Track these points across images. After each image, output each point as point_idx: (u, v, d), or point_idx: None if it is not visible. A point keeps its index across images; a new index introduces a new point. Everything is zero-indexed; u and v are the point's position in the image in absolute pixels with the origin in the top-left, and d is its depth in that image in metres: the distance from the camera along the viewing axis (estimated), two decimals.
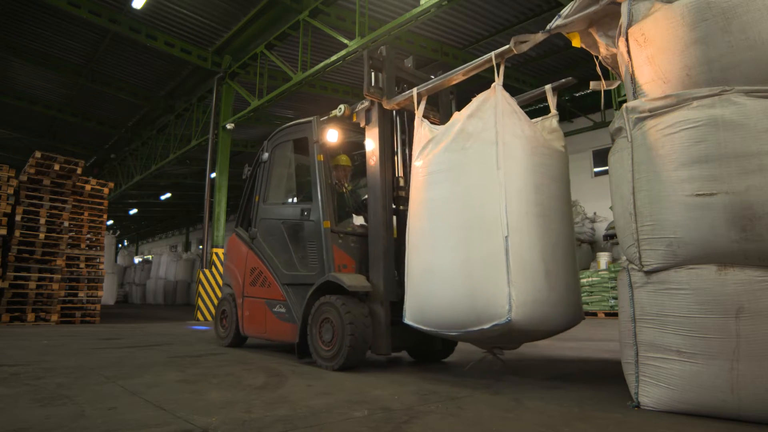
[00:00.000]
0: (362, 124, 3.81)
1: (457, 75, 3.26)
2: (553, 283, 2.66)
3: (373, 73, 3.67)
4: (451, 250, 2.78)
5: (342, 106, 3.86)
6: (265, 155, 4.49)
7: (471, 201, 2.74)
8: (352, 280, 3.38)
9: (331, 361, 3.31)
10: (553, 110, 3.26)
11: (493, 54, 2.93)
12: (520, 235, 2.59)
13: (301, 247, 3.94)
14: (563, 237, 2.79)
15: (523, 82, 12.12)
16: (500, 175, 2.62)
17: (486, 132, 2.76)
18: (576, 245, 3.25)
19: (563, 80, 3.44)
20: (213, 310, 9.21)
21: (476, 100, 2.92)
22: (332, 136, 4.03)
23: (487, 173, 2.68)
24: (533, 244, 2.63)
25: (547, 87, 3.44)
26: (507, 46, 2.89)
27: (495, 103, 2.80)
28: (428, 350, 3.96)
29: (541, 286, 2.61)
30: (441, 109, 4.18)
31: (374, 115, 3.70)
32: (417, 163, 3.17)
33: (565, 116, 14.03)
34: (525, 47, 2.88)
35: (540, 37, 2.86)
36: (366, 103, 3.76)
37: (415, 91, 3.43)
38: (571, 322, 2.88)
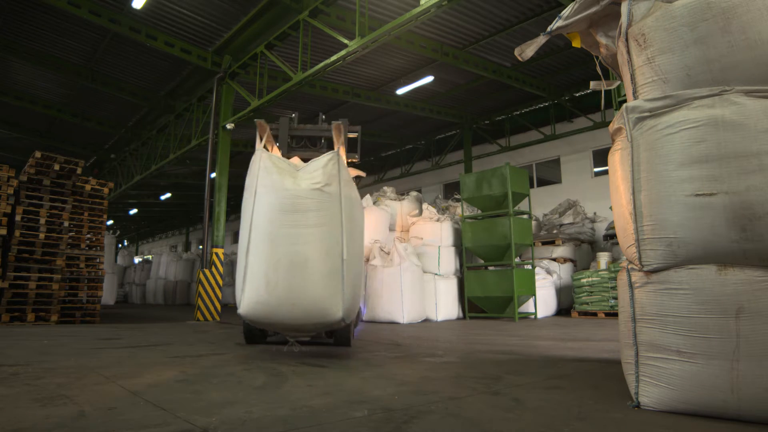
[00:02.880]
0: None
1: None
2: (272, 289, 3.56)
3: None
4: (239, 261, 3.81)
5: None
6: None
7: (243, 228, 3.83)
8: None
9: None
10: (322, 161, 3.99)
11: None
12: (253, 255, 3.63)
13: None
14: (290, 254, 3.63)
15: (523, 82, 12.12)
16: (251, 214, 3.73)
17: (250, 183, 3.86)
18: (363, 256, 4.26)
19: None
20: (213, 310, 9.21)
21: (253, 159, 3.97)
22: None
23: (247, 210, 3.80)
24: (260, 261, 3.61)
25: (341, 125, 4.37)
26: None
27: (258, 162, 3.89)
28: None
29: (261, 291, 3.57)
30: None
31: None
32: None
33: (565, 116, 14.04)
34: (530, 52, 2.90)
35: (542, 39, 2.87)
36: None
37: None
38: (304, 318, 3.64)
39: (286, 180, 3.78)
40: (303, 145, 5.17)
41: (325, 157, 3.86)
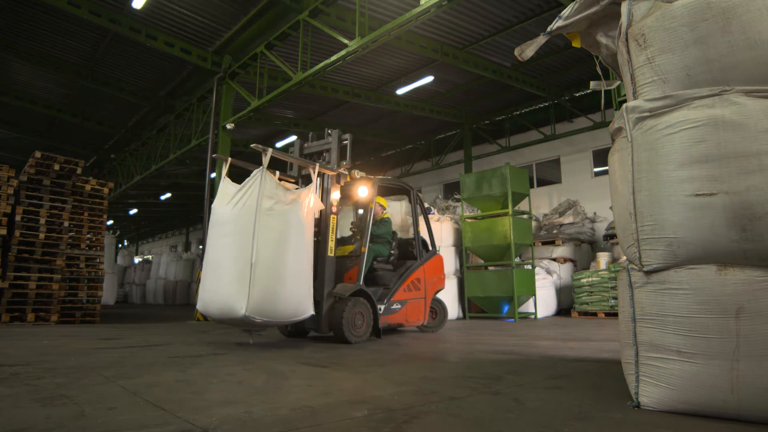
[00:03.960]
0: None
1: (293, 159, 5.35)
2: (205, 288, 4.45)
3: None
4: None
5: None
6: None
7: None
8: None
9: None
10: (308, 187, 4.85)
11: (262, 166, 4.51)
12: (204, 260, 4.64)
13: None
14: (213, 260, 4.45)
15: (523, 83, 12.12)
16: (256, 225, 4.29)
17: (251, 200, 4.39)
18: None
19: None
20: None
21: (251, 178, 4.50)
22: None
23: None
24: (204, 265, 4.56)
25: (316, 166, 5.05)
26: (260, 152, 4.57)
27: (258, 182, 4.41)
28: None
29: (202, 289, 4.49)
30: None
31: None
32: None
33: (565, 116, 14.03)
34: (530, 52, 2.90)
35: (542, 39, 2.87)
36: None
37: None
38: (220, 313, 4.30)
39: (224, 198, 4.53)
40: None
41: (249, 178, 4.46)
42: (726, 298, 2.00)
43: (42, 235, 7.56)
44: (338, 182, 5.46)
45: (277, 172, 5.06)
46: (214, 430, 1.90)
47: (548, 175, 14.98)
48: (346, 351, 4.46)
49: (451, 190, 16.50)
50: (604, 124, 12.51)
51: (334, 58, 7.95)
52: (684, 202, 2.11)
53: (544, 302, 9.46)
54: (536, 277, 9.29)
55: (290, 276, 4.39)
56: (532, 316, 9.11)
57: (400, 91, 12.77)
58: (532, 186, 13.58)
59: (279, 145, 16.85)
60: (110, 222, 30.36)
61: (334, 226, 5.29)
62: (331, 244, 5.21)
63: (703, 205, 2.06)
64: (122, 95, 12.69)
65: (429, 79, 12.08)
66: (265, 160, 4.48)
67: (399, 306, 5.79)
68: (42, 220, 7.58)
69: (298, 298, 4.48)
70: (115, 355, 4.11)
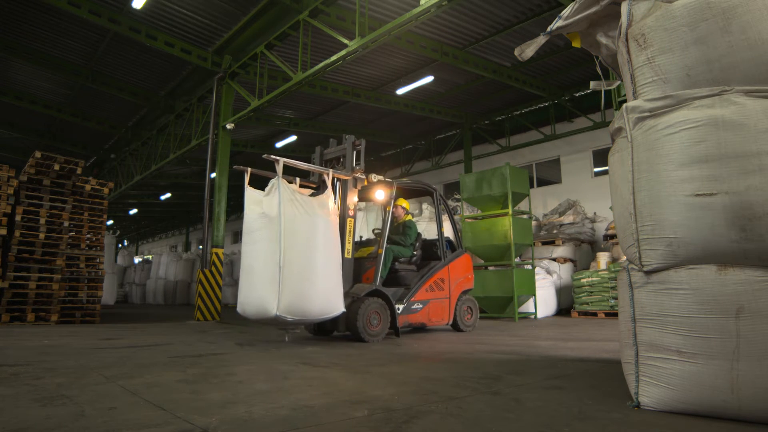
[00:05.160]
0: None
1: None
2: (242, 291, 4.80)
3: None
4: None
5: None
6: None
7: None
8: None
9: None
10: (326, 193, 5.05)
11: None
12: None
13: None
14: (246, 265, 4.79)
15: (523, 83, 12.12)
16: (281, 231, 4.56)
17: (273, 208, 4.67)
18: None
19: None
20: (213, 310, 9.21)
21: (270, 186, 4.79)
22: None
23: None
24: (241, 270, 4.89)
25: (330, 172, 5.23)
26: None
27: (277, 190, 4.67)
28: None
29: (240, 292, 4.82)
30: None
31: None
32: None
33: (565, 116, 14.03)
34: (530, 52, 2.90)
35: (542, 39, 2.87)
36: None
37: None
38: (255, 313, 4.62)
39: (251, 207, 4.83)
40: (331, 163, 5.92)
41: (268, 187, 4.76)
42: (726, 298, 2.00)
43: (42, 235, 7.56)
44: (354, 187, 5.59)
45: (298, 179, 5.30)
46: (214, 430, 1.90)
47: (548, 175, 14.98)
48: (346, 351, 4.46)
49: (451, 190, 16.50)
50: (604, 124, 12.51)
51: (334, 58, 7.95)
52: (684, 202, 2.11)
53: (544, 302, 9.45)
54: (536, 277, 9.29)
55: (317, 276, 4.63)
56: (532, 316, 9.11)
57: (400, 91, 12.77)
58: (532, 186, 13.59)
59: (279, 145, 16.85)
60: (110, 222, 30.36)
61: (352, 229, 5.46)
62: (348, 246, 5.39)
63: (703, 205, 2.06)
64: (122, 95, 12.69)
65: (429, 79, 12.08)
66: (279, 168, 4.72)
67: (420, 306, 5.90)
68: (42, 220, 7.58)
69: (326, 297, 4.71)
70: (115, 355, 4.11)
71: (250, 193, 4.89)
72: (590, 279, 8.98)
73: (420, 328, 6.68)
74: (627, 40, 2.42)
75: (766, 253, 1.97)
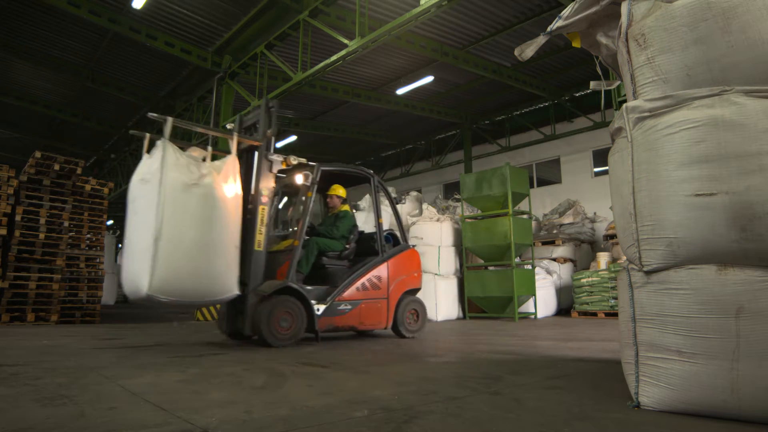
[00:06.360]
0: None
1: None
2: (123, 264, 4.26)
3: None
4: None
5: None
6: None
7: None
8: None
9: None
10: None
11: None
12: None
13: None
14: (127, 237, 4.26)
15: (523, 83, 12.13)
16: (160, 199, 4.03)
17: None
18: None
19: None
20: (213, 310, 9.21)
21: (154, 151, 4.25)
22: None
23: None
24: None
25: (234, 135, 4.77)
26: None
27: (161, 153, 4.15)
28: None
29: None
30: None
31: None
32: None
33: (565, 116, 14.04)
34: (530, 52, 2.90)
35: (542, 39, 2.87)
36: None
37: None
38: (129, 290, 4.08)
39: (137, 174, 4.31)
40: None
41: (153, 150, 4.26)
42: (726, 298, 2.00)
43: (42, 235, 7.56)
44: (270, 170, 4.99)
45: (210, 148, 4.75)
46: (214, 430, 1.90)
47: (548, 175, 14.98)
48: (346, 351, 4.46)
49: (451, 190, 16.50)
50: (604, 124, 12.52)
51: (334, 58, 7.95)
52: (684, 202, 2.11)
53: (544, 302, 9.45)
54: (536, 277, 9.29)
55: (202, 252, 4.11)
56: (532, 316, 9.11)
57: (400, 91, 12.78)
58: (532, 186, 13.59)
59: (279, 145, 16.84)
60: (110, 222, 30.30)
61: (264, 217, 4.86)
62: (260, 237, 4.79)
63: (703, 205, 2.06)
64: (122, 95, 12.70)
65: (429, 79, 12.09)
66: (167, 129, 4.24)
67: (349, 307, 5.19)
68: (42, 220, 7.57)
69: (212, 276, 4.19)
70: (115, 355, 4.11)
71: (144, 159, 4.35)
72: (590, 279, 8.98)
73: (363, 334, 5.96)
74: (627, 40, 2.42)
75: (766, 253, 1.97)
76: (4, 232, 7.17)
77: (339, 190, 5.88)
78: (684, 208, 2.10)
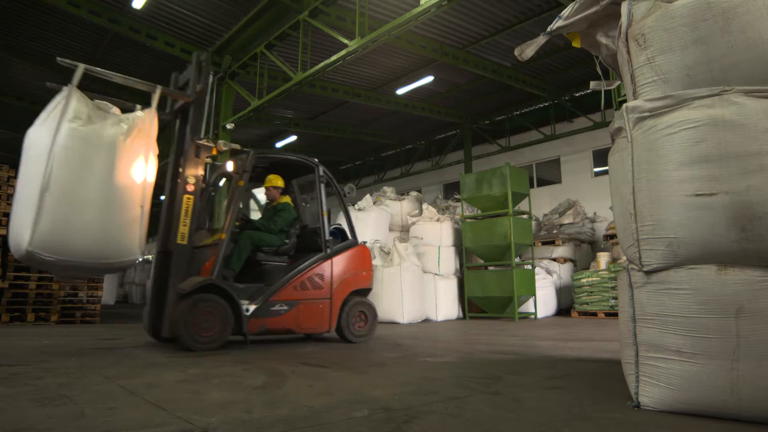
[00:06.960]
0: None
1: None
2: None
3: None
4: None
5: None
6: None
7: None
8: None
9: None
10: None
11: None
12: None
13: None
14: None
15: (523, 83, 12.13)
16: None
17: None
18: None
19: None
20: None
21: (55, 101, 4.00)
22: None
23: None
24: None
25: (158, 88, 4.57)
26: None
27: (64, 100, 4.01)
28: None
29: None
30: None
31: None
32: None
33: (565, 116, 14.04)
34: (530, 52, 2.91)
35: (542, 39, 2.87)
36: None
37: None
38: (13, 246, 3.69)
39: (36, 122, 4.03)
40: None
41: (57, 96, 4.06)
42: (726, 298, 2.00)
43: None
44: (197, 156, 4.65)
45: (139, 107, 4.45)
46: (214, 430, 1.90)
47: (548, 175, 14.99)
48: (346, 351, 4.46)
49: (451, 190, 16.50)
50: (604, 124, 12.52)
51: (334, 58, 7.96)
52: (684, 202, 2.11)
53: (544, 302, 9.45)
54: (536, 277, 9.29)
55: (96, 207, 3.77)
56: (532, 316, 9.11)
57: (400, 91, 12.78)
58: (532, 186, 13.58)
59: (279, 144, 16.84)
60: None
61: (190, 209, 4.53)
62: (183, 229, 4.44)
63: (703, 205, 2.06)
64: (122, 95, 12.69)
65: (429, 79, 12.09)
66: (76, 76, 4.03)
67: (285, 308, 4.75)
68: None
69: (107, 235, 3.82)
70: (115, 355, 4.10)
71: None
72: (590, 279, 8.98)
73: (309, 338, 5.53)
74: (627, 40, 2.42)
75: (766, 253, 1.97)
76: (4, 232, 7.17)
77: (276, 181, 5.38)
78: (684, 208, 2.11)
